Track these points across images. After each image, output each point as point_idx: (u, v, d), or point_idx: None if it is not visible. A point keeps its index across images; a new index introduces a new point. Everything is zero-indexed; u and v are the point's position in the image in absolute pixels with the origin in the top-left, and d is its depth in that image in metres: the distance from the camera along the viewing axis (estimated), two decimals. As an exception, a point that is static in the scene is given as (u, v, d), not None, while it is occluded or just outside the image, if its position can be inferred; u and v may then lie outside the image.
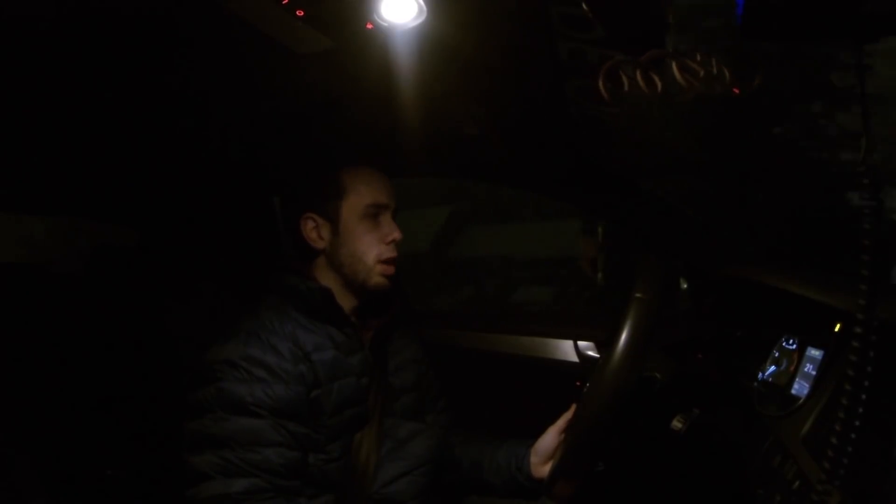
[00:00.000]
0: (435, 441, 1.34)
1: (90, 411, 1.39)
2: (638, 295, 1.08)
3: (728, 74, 0.67)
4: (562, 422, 1.31)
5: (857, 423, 0.68)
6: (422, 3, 0.94)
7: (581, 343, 1.83)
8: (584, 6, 0.81)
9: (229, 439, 1.09)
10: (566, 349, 1.85)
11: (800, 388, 1.15)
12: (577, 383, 1.57)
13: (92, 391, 1.41)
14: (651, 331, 1.07)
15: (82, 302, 1.52)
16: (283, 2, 0.94)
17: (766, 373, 1.30)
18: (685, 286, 1.69)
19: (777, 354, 1.29)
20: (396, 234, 1.29)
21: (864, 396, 0.68)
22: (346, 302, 1.28)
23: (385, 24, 0.97)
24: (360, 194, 1.27)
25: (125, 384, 1.46)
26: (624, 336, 1.07)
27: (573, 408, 1.30)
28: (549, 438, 1.31)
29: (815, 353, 1.17)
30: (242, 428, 1.10)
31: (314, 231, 1.27)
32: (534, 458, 1.32)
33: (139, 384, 1.47)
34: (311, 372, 1.17)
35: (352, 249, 1.26)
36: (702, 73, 0.67)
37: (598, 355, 1.78)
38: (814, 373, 1.13)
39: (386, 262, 1.27)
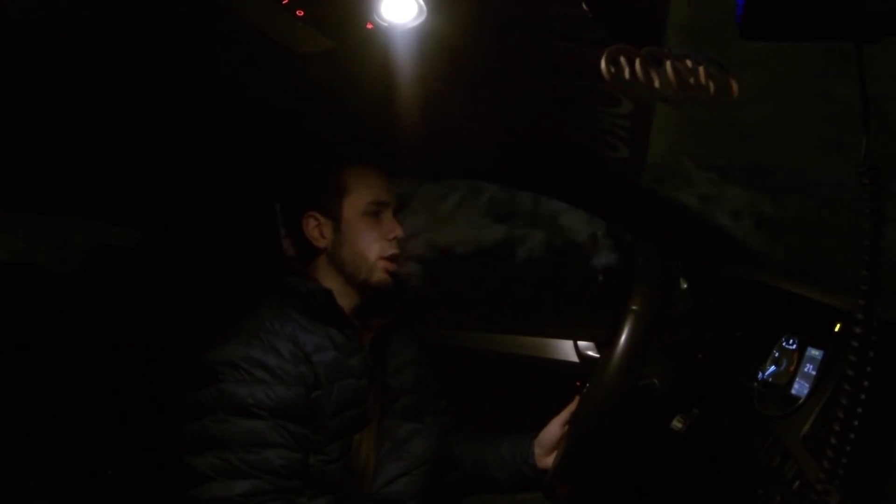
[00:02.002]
0: (434, 441, 1.34)
1: (90, 411, 1.39)
2: (634, 308, 1.08)
3: (713, 86, 0.67)
4: (565, 414, 1.32)
5: (857, 423, 0.68)
6: (422, 3, 0.94)
7: (581, 343, 1.83)
8: (584, 6, 0.81)
9: (230, 441, 1.09)
10: (566, 349, 1.85)
11: (800, 388, 1.15)
12: (577, 383, 1.57)
13: (92, 391, 1.41)
14: (646, 344, 1.07)
15: (82, 302, 1.52)
16: (284, 2, 0.94)
17: (766, 373, 1.30)
18: (685, 286, 1.69)
19: (777, 354, 1.29)
20: (398, 231, 1.29)
21: (863, 397, 0.68)
22: (346, 302, 1.28)
23: (385, 24, 0.97)
24: (362, 192, 1.28)
25: (125, 384, 1.46)
26: (618, 351, 1.06)
27: (577, 399, 1.30)
28: (553, 430, 1.32)
29: (815, 353, 1.17)
30: (243, 429, 1.10)
31: (316, 230, 1.27)
32: (538, 450, 1.33)
33: (139, 384, 1.47)
34: (311, 373, 1.17)
35: (354, 247, 1.26)
36: (691, 80, 0.67)
37: (598, 355, 1.78)
38: (814, 373, 1.13)
39: (388, 258, 1.28)
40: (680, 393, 1.37)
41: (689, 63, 0.67)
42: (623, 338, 1.06)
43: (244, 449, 1.09)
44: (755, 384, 1.31)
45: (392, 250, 1.28)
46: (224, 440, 1.09)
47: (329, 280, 1.27)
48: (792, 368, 1.21)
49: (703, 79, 0.67)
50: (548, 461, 1.31)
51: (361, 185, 1.28)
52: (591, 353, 1.81)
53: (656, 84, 0.66)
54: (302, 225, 1.27)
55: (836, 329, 1.11)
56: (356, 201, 1.27)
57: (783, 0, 0.55)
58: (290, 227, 1.32)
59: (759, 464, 1.16)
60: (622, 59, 0.66)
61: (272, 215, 1.81)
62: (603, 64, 0.65)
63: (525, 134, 1.49)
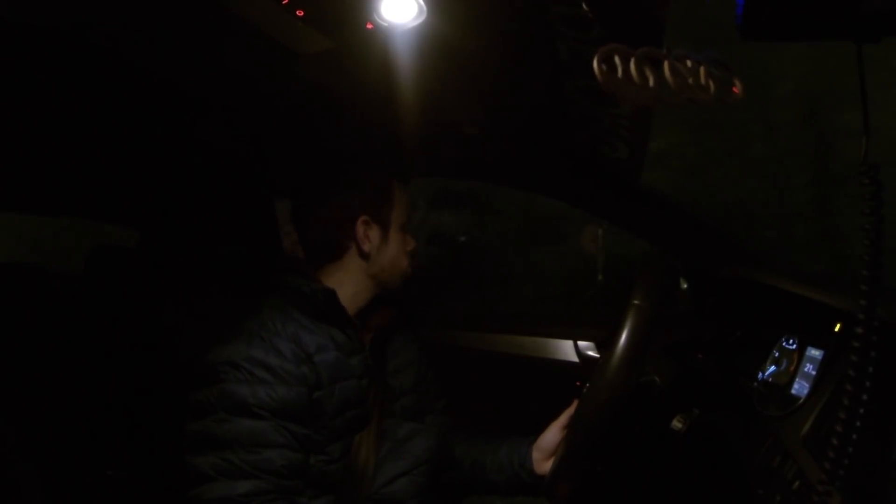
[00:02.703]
0: (433, 441, 1.34)
1: (90, 411, 1.39)
2: (636, 302, 1.08)
3: (713, 86, 0.67)
4: (564, 418, 1.32)
5: (858, 423, 0.68)
6: (422, 3, 0.94)
7: (581, 343, 1.83)
8: (584, 6, 0.81)
9: (232, 441, 1.09)
10: (566, 349, 1.85)
11: (800, 388, 1.16)
12: (577, 383, 1.57)
13: (92, 391, 1.41)
14: (648, 338, 1.07)
15: (82, 302, 1.52)
16: (284, 2, 0.94)
17: (766, 373, 1.30)
18: (685, 286, 1.69)
19: (777, 354, 1.29)
20: (415, 245, 1.37)
21: (864, 397, 0.68)
22: (354, 304, 1.28)
23: (385, 24, 0.97)
24: (402, 206, 1.34)
25: (126, 384, 1.46)
26: (621, 344, 1.06)
27: (575, 403, 1.30)
28: (552, 435, 1.32)
29: (815, 353, 1.17)
30: (245, 429, 1.10)
31: (365, 233, 1.29)
32: (536, 455, 1.33)
33: (140, 384, 1.47)
34: (313, 373, 1.17)
35: (393, 256, 1.31)
36: (690, 80, 0.67)
37: (598, 355, 1.78)
38: (814, 373, 1.13)
39: (409, 268, 1.35)
40: (680, 393, 1.37)
41: (688, 63, 0.67)
42: (625, 331, 1.07)
43: (246, 449, 1.09)
44: (755, 384, 1.31)
45: (410, 262, 1.36)
46: (226, 440, 1.09)
47: (353, 282, 1.28)
48: (792, 368, 1.21)
49: (703, 79, 0.67)
50: (545, 466, 1.31)
51: (402, 200, 1.34)
52: (591, 353, 1.81)
53: (651, 84, 0.66)
54: (355, 227, 1.27)
55: (836, 329, 1.11)
56: (399, 213, 1.33)
57: (783, 0, 0.55)
58: (331, 227, 1.29)
59: (759, 464, 1.16)
60: (616, 59, 0.66)
61: (272, 214, 1.81)
62: (595, 63, 0.65)
63: (525, 134, 1.49)
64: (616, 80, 0.66)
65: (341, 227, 1.28)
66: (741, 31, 0.57)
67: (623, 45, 0.66)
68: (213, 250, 1.80)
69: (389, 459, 1.26)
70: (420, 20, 0.97)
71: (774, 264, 1.47)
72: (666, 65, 0.66)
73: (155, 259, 1.69)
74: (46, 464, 1.21)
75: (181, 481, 1.11)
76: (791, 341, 1.27)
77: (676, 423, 1.34)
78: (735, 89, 0.68)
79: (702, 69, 0.67)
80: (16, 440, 1.21)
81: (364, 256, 1.29)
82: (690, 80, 0.67)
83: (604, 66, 0.65)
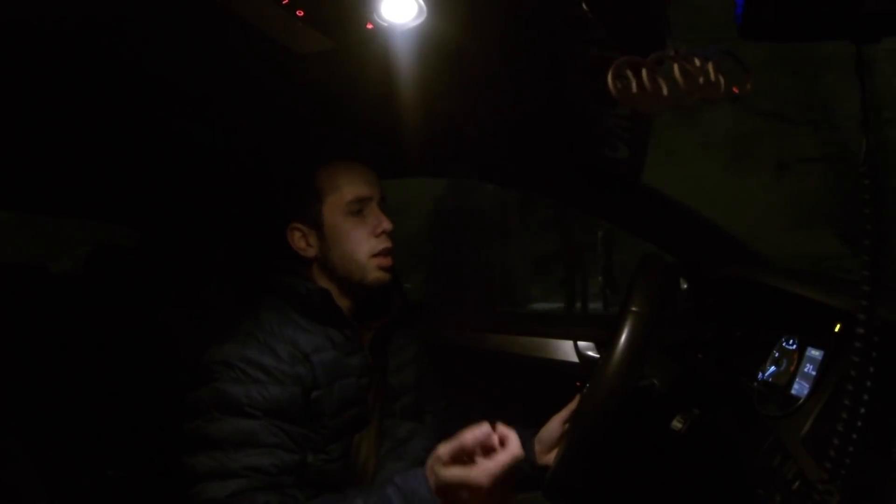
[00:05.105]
0: (433, 440, 1.33)
1: (90, 411, 1.39)
2: (633, 308, 1.07)
3: (724, 82, 0.66)
4: (566, 412, 1.32)
5: (858, 423, 0.68)
6: (422, 3, 0.94)
7: (581, 343, 1.83)
8: (584, 6, 0.81)
9: (224, 440, 1.09)
10: (566, 349, 1.85)
11: (800, 388, 1.15)
12: (577, 383, 1.57)
13: (92, 391, 1.41)
14: (646, 345, 1.07)
15: (82, 302, 1.52)
16: (284, 2, 0.94)
17: (766, 373, 1.30)
18: (685, 286, 1.69)
19: (777, 354, 1.29)
20: (386, 225, 1.26)
21: (864, 396, 0.68)
22: (344, 303, 1.27)
23: (385, 24, 0.97)
24: (340, 192, 1.25)
25: (125, 384, 1.45)
26: (618, 352, 1.05)
27: (577, 398, 1.30)
28: (553, 427, 1.31)
29: (815, 353, 1.17)
30: (237, 429, 1.09)
31: (302, 240, 1.26)
32: (538, 447, 1.32)
33: (139, 384, 1.47)
34: (309, 373, 1.17)
35: (342, 251, 1.24)
36: (701, 78, 0.66)
37: (598, 355, 1.78)
38: (814, 373, 1.13)
39: (380, 254, 1.25)
40: (680, 393, 1.37)
41: (697, 61, 0.66)
42: (622, 339, 1.05)
43: (236, 448, 1.08)
44: (755, 384, 1.31)
45: (383, 245, 1.25)
46: (217, 440, 1.09)
47: (325, 283, 1.27)
48: (792, 368, 1.21)
49: (713, 75, 0.66)
50: (547, 459, 1.31)
51: (338, 185, 1.25)
52: (591, 353, 1.81)
53: (665, 92, 0.65)
54: (287, 238, 1.26)
55: (836, 329, 1.11)
56: (335, 203, 1.25)
57: (783, 0, 0.55)
58: (278, 240, 1.29)
59: (759, 464, 1.16)
60: (628, 73, 0.65)
61: (272, 215, 1.80)
62: (610, 80, 0.64)
63: (525, 134, 1.49)
64: (630, 95, 0.65)
65: (279, 239, 1.27)
66: (741, 31, 0.57)
67: (633, 58, 0.65)
68: (211, 250, 1.80)
69: (389, 459, 1.26)
70: (420, 20, 0.97)
71: (774, 264, 1.47)
72: (676, 67, 0.65)
73: (155, 259, 1.69)
74: (46, 464, 1.20)
75: (180, 481, 1.11)
76: (791, 341, 1.27)
77: (676, 424, 1.34)
78: (735, 89, 0.68)
79: (711, 66, 0.66)
80: (16, 440, 1.21)
81: (315, 260, 1.27)
82: (701, 80, 0.66)
83: (617, 84, 0.65)
